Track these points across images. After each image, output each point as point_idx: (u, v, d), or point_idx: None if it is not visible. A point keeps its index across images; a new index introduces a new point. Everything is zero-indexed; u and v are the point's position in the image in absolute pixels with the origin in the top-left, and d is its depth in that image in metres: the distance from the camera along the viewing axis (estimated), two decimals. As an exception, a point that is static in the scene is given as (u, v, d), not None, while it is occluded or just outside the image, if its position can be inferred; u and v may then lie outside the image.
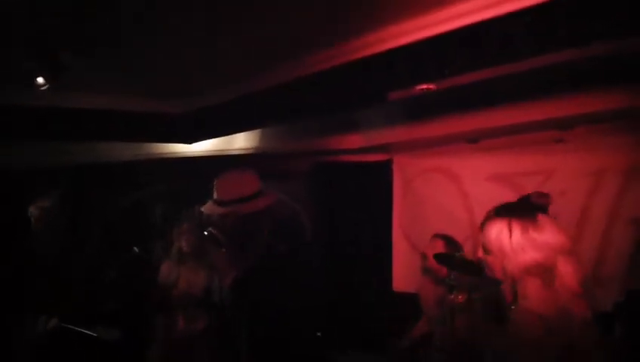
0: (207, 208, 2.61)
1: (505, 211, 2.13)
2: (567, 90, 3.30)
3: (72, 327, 3.46)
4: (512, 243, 2.05)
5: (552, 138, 4.11)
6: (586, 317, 2.02)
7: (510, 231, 2.06)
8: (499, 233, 2.09)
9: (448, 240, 3.96)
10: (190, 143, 4.76)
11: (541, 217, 2.08)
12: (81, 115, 4.03)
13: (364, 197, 5.54)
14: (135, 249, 4.13)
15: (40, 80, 2.95)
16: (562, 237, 2.07)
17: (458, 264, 3.54)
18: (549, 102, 3.44)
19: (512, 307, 2.11)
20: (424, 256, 4.04)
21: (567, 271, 2.01)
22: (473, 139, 4.48)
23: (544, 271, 2.02)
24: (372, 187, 5.49)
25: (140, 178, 5.69)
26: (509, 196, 2.30)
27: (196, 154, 5.02)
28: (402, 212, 5.35)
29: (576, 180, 4.08)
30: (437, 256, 3.73)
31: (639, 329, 3.10)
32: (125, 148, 5.10)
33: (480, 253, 2.17)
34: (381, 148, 5.03)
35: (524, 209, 2.12)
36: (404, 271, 5.24)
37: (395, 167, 5.35)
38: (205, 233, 2.60)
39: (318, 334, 3.62)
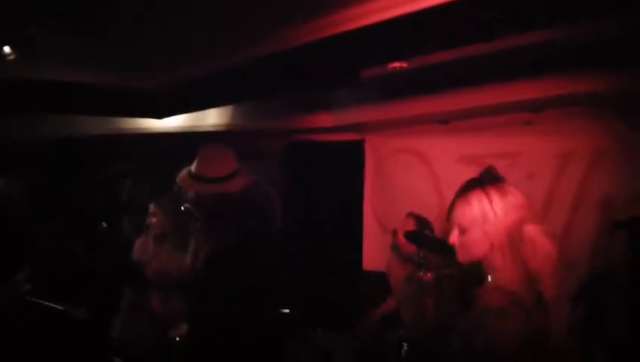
0: (184, 180, 2.59)
1: (476, 183, 2.18)
2: (538, 72, 3.33)
3: (39, 301, 3.42)
4: (495, 208, 2.09)
5: (521, 120, 4.16)
6: (558, 295, 2.05)
7: (489, 197, 2.10)
8: (478, 203, 2.12)
9: (419, 220, 4.00)
10: (161, 118, 4.71)
11: (506, 184, 2.15)
12: (49, 87, 3.95)
13: (336, 177, 5.55)
14: (103, 224, 4.09)
15: (6, 49, 2.88)
16: (529, 201, 2.15)
17: (428, 242, 3.58)
18: (520, 84, 3.48)
19: (482, 285, 2.14)
20: (395, 234, 4.08)
21: (540, 241, 2.06)
22: (444, 121, 4.51)
23: (520, 240, 2.07)
24: (344, 167, 5.51)
25: (110, 153, 5.62)
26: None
27: (167, 130, 4.97)
28: (373, 192, 5.38)
29: (544, 163, 4.14)
30: (407, 234, 3.76)
31: (601, 312, 3.17)
32: (95, 123, 5.02)
33: (453, 237, 2.19)
34: (354, 128, 5.04)
35: (491, 178, 2.18)
36: (374, 251, 5.29)
37: (367, 147, 5.36)
38: (182, 208, 2.59)
39: (286, 311, 3.65)
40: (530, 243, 2.07)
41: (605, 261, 3.49)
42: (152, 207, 3.97)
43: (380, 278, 4.53)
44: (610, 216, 3.65)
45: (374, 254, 5.27)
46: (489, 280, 2.13)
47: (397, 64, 3.04)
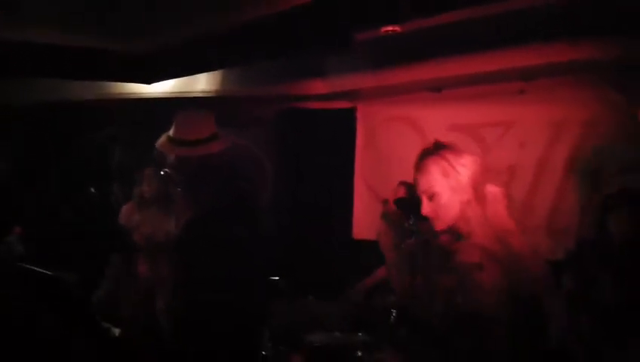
0: (163, 145, 2.58)
1: (430, 151, 2.26)
2: (531, 39, 3.30)
3: (27, 266, 3.40)
4: (455, 166, 2.15)
5: (514, 89, 4.14)
6: (524, 253, 2.11)
7: (446, 159, 2.18)
8: (437, 167, 2.20)
9: (410, 188, 3.98)
10: (150, 83, 4.64)
11: (457, 147, 2.23)
12: (36, 50, 3.87)
13: (327, 145, 5.53)
14: (91, 189, 4.05)
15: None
16: (484, 162, 2.25)
17: (418, 209, 3.57)
18: (513, 52, 3.45)
19: (456, 245, 2.19)
20: (386, 202, 4.07)
21: (500, 202, 2.13)
22: (436, 88, 4.49)
23: (484, 197, 2.13)
24: (336, 135, 5.48)
25: (98, 119, 5.55)
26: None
27: (156, 96, 4.91)
28: (364, 160, 5.37)
29: (536, 132, 4.13)
30: (397, 201, 3.76)
31: (587, 278, 3.20)
32: (83, 88, 4.95)
33: (425, 207, 2.24)
34: (346, 96, 5.00)
35: (442, 146, 2.27)
36: (365, 219, 5.29)
37: (359, 115, 5.33)
38: (162, 173, 2.59)
39: (276, 278, 3.66)
40: (492, 202, 2.14)
41: (595, 231, 3.50)
42: (148, 170, 3.96)
43: (370, 246, 4.54)
44: (601, 186, 3.65)
45: (365, 222, 5.27)
46: (465, 238, 2.18)
47: (390, 28, 2.99)
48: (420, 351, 2.47)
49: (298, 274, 4.23)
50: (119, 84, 4.87)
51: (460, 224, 2.26)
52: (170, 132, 2.60)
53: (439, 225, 2.31)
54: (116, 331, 3.62)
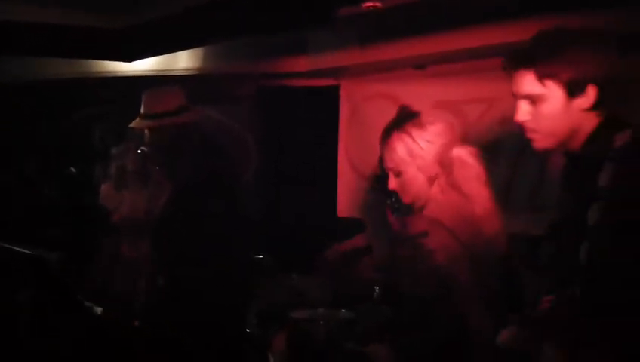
0: (136, 123, 2.60)
1: (394, 126, 2.26)
2: (518, 15, 3.29)
3: (7, 246, 3.38)
4: (419, 142, 2.17)
5: (498, 66, 4.12)
6: (496, 229, 2.13)
7: (409, 135, 2.19)
8: (401, 143, 2.21)
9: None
10: (131, 61, 4.58)
11: (423, 116, 2.24)
12: (12, 27, 3.80)
13: (310, 123, 5.50)
14: (72, 169, 4.01)
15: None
16: (451, 126, 2.26)
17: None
18: (499, 27, 3.44)
19: (407, 218, 2.23)
20: (372, 179, 4.08)
21: (469, 161, 2.15)
22: (420, 65, 4.47)
23: (451, 164, 2.16)
24: (318, 113, 5.46)
25: (78, 97, 5.48)
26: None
27: (137, 74, 4.85)
28: (348, 138, 5.35)
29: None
30: (374, 178, 3.77)
31: (565, 254, 3.22)
32: (61, 65, 4.88)
33: (391, 183, 2.26)
34: (329, 73, 4.96)
35: (407, 116, 2.28)
36: (348, 197, 5.29)
37: (342, 93, 5.30)
38: (139, 151, 2.62)
39: (260, 257, 3.65)
40: (460, 164, 2.17)
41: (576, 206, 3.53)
42: (126, 146, 3.93)
43: (353, 225, 4.55)
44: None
45: (348, 200, 5.27)
46: (417, 211, 2.23)
47: (370, 3, 2.97)
48: (402, 326, 2.50)
49: (282, 252, 4.23)
50: (99, 61, 4.80)
51: (421, 197, 2.30)
52: (141, 110, 2.62)
53: (406, 200, 2.36)
54: (99, 310, 3.62)
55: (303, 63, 4.69)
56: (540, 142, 1.66)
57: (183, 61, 4.78)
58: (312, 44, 4.54)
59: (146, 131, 2.62)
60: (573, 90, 1.39)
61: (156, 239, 2.88)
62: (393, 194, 3.51)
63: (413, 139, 2.26)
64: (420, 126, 2.30)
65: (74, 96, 5.44)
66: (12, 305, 3.38)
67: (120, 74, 4.87)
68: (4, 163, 4.33)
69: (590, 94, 1.38)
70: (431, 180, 2.28)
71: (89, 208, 4.08)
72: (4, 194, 4.20)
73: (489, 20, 3.42)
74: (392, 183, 2.35)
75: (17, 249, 3.38)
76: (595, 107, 1.37)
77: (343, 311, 3.42)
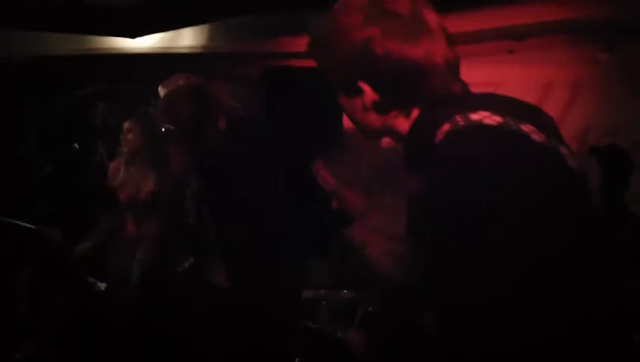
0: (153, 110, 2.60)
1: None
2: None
3: (9, 220, 3.38)
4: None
5: (503, 49, 4.11)
6: None
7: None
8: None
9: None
10: (134, 38, 4.55)
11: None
12: (14, 2, 3.77)
13: (314, 104, 5.47)
14: (75, 145, 3.98)
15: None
16: None
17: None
18: (504, 10, 3.41)
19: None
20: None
21: None
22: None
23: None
24: (322, 93, 5.42)
25: (79, 75, 5.44)
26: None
27: (140, 51, 4.81)
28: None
29: (526, 92, 4.10)
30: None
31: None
32: (63, 42, 4.84)
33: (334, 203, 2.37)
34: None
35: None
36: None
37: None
38: (163, 130, 2.60)
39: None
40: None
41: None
42: (128, 123, 3.90)
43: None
44: (588, 147, 3.67)
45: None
46: None
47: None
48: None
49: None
50: (102, 38, 4.76)
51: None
52: (160, 94, 2.61)
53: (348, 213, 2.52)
54: (102, 286, 3.63)
55: (306, 43, 4.65)
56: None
57: (186, 39, 4.74)
58: (317, 23, 4.49)
59: (168, 106, 2.59)
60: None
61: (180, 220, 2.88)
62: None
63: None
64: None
65: (75, 74, 5.41)
66: (13, 281, 3.40)
67: (122, 51, 4.83)
68: (3, 140, 4.31)
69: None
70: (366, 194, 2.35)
71: (91, 185, 4.07)
72: (4, 172, 4.19)
73: (494, 3, 3.38)
74: (334, 203, 2.46)
75: (20, 223, 3.39)
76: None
77: (345, 291, 3.44)
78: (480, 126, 1.03)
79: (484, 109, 1.05)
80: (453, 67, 1.14)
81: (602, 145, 3.22)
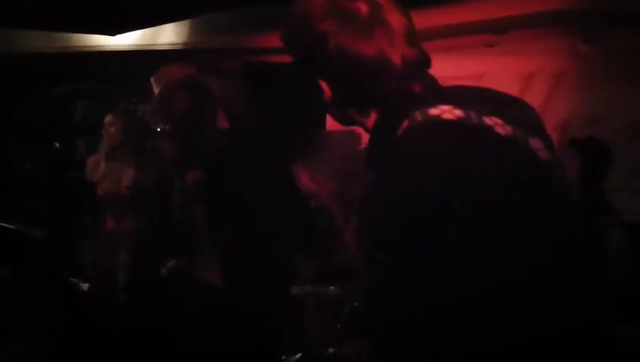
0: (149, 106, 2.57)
1: None
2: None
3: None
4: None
5: (484, 42, 4.12)
6: None
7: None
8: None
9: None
10: (114, 35, 4.50)
11: None
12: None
13: (296, 100, 5.45)
14: (56, 144, 3.94)
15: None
16: None
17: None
18: (484, 4, 3.42)
19: None
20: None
21: None
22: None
23: None
24: (304, 90, 5.40)
25: (60, 72, 5.39)
26: None
27: (121, 48, 4.77)
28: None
29: (507, 84, 4.12)
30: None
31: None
32: (43, 39, 4.79)
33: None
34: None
35: None
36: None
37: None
38: (158, 129, 2.55)
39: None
40: None
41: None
42: (110, 117, 3.87)
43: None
44: (569, 137, 3.69)
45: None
46: None
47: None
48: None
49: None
50: (82, 36, 4.72)
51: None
52: (155, 90, 2.57)
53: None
54: (84, 286, 3.60)
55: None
56: None
57: (167, 35, 4.70)
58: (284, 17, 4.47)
59: (163, 104, 2.54)
60: None
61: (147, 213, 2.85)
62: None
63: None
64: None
65: (56, 72, 5.35)
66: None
67: (102, 48, 4.79)
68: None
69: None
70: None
71: (71, 183, 4.03)
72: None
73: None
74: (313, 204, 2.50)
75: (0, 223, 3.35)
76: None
77: (332, 287, 3.44)
78: (438, 121, 1.02)
79: (448, 103, 1.04)
80: (413, 67, 1.13)
81: (581, 137, 3.24)
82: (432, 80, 1.17)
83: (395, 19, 1.13)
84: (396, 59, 1.11)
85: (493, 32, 3.86)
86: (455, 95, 1.11)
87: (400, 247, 0.96)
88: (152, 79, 2.56)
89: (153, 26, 4.49)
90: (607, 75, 3.66)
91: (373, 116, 1.16)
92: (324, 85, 1.17)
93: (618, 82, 3.67)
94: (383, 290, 1.00)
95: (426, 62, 1.17)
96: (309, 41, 1.14)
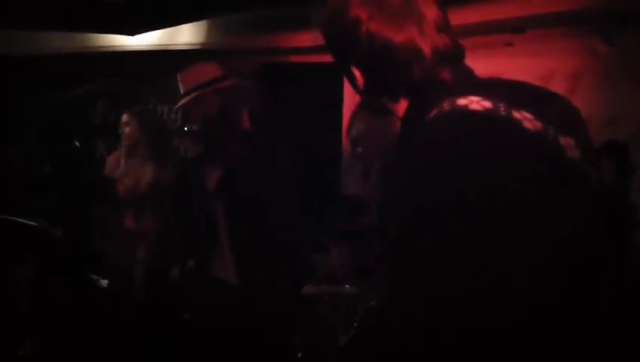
0: (179, 104, 2.57)
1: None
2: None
3: (10, 218, 3.38)
4: None
5: (502, 42, 4.10)
6: None
7: None
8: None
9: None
10: (133, 35, 4.55)
11: None
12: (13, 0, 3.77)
13: (314, 101, 5.46)
14: (76, 143, 3.98)
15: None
16: None
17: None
18: (502, 3, 3.41)
19: None
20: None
21: None
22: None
23: None
24: (323, 89, 5.41)
25: (80, 72, 5.44)
26: None
27: (139, 48, 4.82)
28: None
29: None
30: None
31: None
32: (63, 39, 4.84)
33: None
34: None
35: None
36: (354, 175, 5.28)
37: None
38: (185, 129, 2.57)
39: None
40: None
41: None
42: (125, 117, 3.90)
43: (358, 202, 4.54)
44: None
45: (352, 178, 5.26)
46: None
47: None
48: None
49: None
50: (102, 36, 4.76)
51: None
52: (180, 90, 2.58)
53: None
54: (104, 282, 3.63)
55: (306, 39, 4.65)
56: None
57: (184, 36, 4.74)
58: (317, 18, 4.48)
59: (190, 106, 2.55)
60: None
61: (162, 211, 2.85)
62: None
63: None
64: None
65: (75, 71, 5.41)
66: (15, 278, 3.41)
67: (122, 48, 4.83)
68: (4, 137, 4.31)
69: None
70: None
71: (92, 181, 4.07)
72: (5, 169, 4.19)
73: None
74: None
75: (21, 220, 3.39)
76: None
77: (347, 286, 3.44)
78: (464, 111, 1.01)
79: (479, 94, 1.04)
80: (444, 57, 1.13)
81: (604, 140, 3.23)
82: (467, 70, 1.17)
83: (428, 8, 1.14)
84: (426, 48, 1.11)
85: (512, 31, 3.85)
86: (489, 86, 1.10)
87: (402, 242, 0.96)
88: (178, 76, 2.57)
89: (172, 26, 4.52)
90: (626, 74, 3.63)
91: (404, 104, 1.16)
92: (356, 72, 1.18)
93: (637, 81, 3.64)
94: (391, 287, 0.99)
95: (459, 53, 1.17)
96: (344, 27, 1.16)
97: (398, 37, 1.11)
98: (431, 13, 1.14)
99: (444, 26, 1.15)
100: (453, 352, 0.92)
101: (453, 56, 1.15)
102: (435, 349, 0.94)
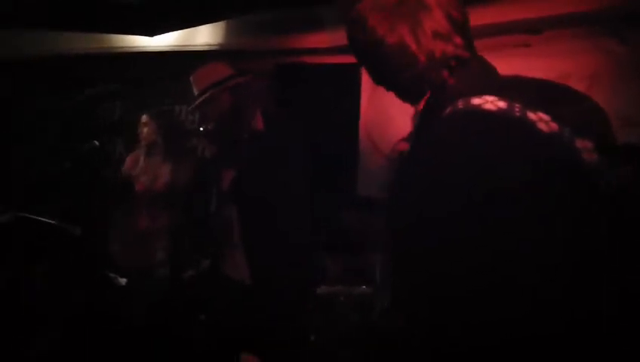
0: (193, 105, 2.60)
1: None
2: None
3: (30, 216, 3.42)
4: None
5: (519, 42, 4.08)
6: None
7: None
8: None
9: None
10: (152, 35, 4.58)
11: None
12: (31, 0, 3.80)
13: (330, 102, 5.46)
14: (95, 142, 4.03)
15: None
16: None
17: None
18: (519, 3, 3.40)
19: None
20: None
21: None
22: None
23: None
24: (340, 90, 5.41)
25: (97, 73, 5.49)
26: None
27: (157, 49, 4.85)
28: (369, 116, 5.31)
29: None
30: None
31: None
32: (81, 40, 4.88)
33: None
34: (350, 50, 4.90)
35: None
36: (370, 176, 5.28)
37: (364, 70, 5.22)
38: (201, 129, 2.60)
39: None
40: None
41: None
42: (144, 117, 3.95)
43: (375, 202, 4.54)
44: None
45: (370, 179, 5.26)
46: None
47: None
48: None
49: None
50: (119, 36, 4.80)
51: None
52: (194, 91, 2.60)
53: None
54: (122, 281, 3.66)
55: (323, 39, 4.65)
56: None
57: (203, 36, 4.76)
58: (333, 19, 4.50)
59: (204, 106, 2.57)
60: None
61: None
62: None
63: None
64: None
65: (93, 72, 5.45)
66: (32, 276, 3.45)
67: (139, 49, 4.86)
68: (25, 136, 4.36)
69: None
70: None
71: (109, 181, 4.12)
72: (26, 167, 4.24)
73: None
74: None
75: (40, 218, 3.43)
76: None
77: (363, 287, 3.44)
78: (477, 111, 1.01)
79: (496, 94, 1.03)
80: (441, 62, 1.13)
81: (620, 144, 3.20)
82: (489, 69, 1.16)
83: (426, 16, 1.14)
84: (420, 54, 1.12)
85: (529, 32, 3.82)
86: (511, 86, 1.09)
87: (408, 241, 0.95)
88: (191, 77, 2.60)
89: (190, 27, 4.55)
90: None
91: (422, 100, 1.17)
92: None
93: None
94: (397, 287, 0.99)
95: (463, 59, 1.16)
96: (350, 23, 1.19)
97: (390, 37, 1.12)
98: (428, 20, 1.14)
99: (444, 34, 1.15)
100: (458, 350, 0.91)
101: (455, 62, 1.14)
102: (441, 347, 0.93)
